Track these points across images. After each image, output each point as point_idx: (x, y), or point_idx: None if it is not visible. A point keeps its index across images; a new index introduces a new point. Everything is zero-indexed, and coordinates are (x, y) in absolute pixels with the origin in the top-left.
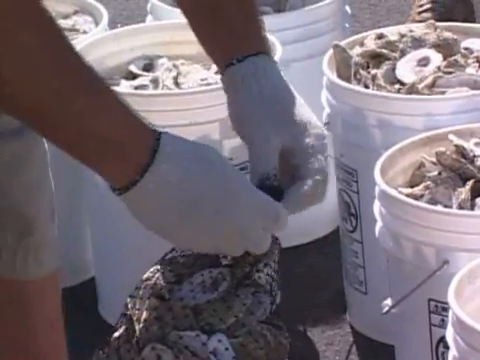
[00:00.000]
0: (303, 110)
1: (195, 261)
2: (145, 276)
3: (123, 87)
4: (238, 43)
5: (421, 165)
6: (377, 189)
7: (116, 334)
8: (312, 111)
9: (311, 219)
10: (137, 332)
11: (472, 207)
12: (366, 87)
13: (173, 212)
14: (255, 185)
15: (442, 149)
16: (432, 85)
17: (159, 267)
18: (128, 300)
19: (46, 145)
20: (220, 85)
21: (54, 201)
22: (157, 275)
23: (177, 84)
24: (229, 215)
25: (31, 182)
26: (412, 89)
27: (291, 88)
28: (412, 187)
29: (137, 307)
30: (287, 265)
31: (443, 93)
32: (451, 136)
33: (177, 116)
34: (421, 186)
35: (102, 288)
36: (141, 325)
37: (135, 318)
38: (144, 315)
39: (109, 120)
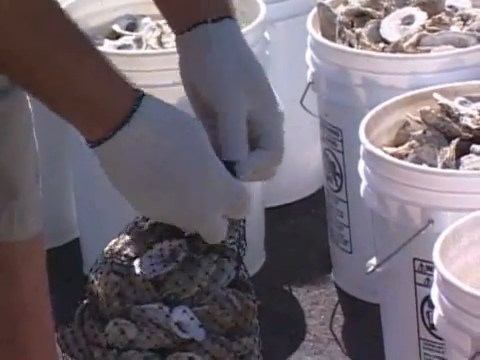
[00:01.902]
0: (269, 84)
1: (157, 231)
2: (106, 249)
3: (106, 47)
4: (208, 4)
5: (406, 124)
6: (362, 148)
7: (79, 309)
8: (297, 70)
9: (296, 179)
10: (99, 307)
11: (457, 166)
12: (351, 46)
13: (140, 174)
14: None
15: (427, 108)
16: (417, 44)
17: (120, 238)
18: (90, 274)
19: (30, 106)
20: None
21: (39, 163)
22: (118, 247)
23: (161, 44)
24: (196, 191)
25: (16, 144)
26: (397, 48)
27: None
28: (397, 146)
29: (98, 282)
30: (272, 225)
31: (428, 51)
32: (436, 95)
33: (160, 76)
34: (406, 145)
35: (86, 249)
36: (103, 300)
37: (96, 293)
38: (105, 290)
39: (86, 77)
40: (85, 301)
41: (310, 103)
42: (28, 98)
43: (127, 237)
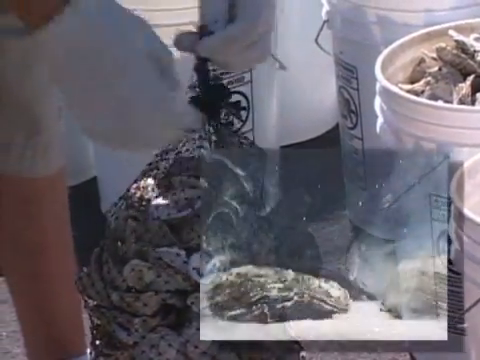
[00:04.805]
0: None
1: (175, 169)
2: (126, 192)
3: None
4: None
5: (421, 61)
6: (378, 85)
7: (97, 250)
8: (312, 8)
9: (310, 117)
10: (118, 251)
11: (473, 102)
12: None
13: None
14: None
15: (442, 45)
16: None
17: (139, 181)
18: (107, 215)
19: None
20: None
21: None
22: (136, 192)
23: None
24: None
25: (40, 80)
26: None
27: None
28: (412, 83)
29: (116, 223)
30: (287, 163)
31: None
32: (451, 32)
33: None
34: (422, 82)
35: (104, 187)
36: (120, 243)
37: (114, 236)
38: (123, 233)
39: None
40: (102, 243)
41: (325, 41)
42: None
43: (148, 180)
